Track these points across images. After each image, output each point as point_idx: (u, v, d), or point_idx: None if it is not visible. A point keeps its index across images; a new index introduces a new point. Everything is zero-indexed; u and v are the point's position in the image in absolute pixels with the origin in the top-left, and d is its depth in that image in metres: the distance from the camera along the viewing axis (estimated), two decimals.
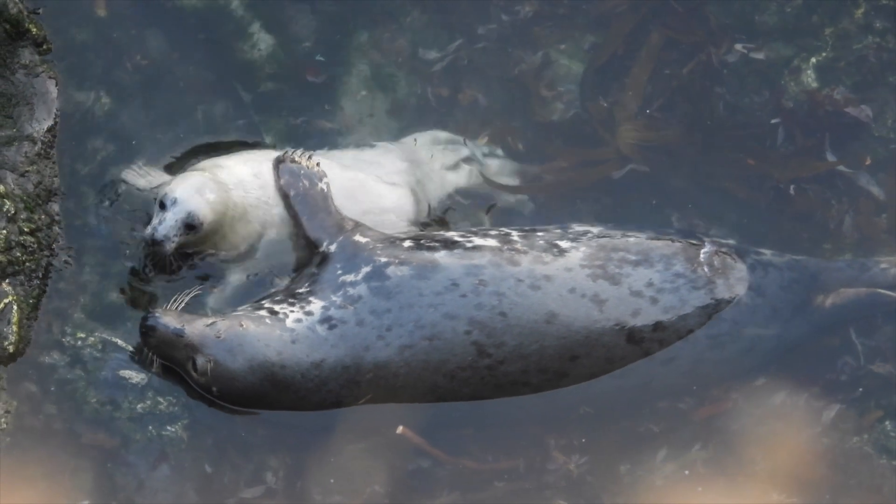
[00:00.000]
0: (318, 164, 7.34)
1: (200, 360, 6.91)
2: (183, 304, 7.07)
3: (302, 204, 7.31)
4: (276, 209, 7.31)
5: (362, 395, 6.98)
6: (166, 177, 7.51)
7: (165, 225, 7.07)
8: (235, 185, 7.24)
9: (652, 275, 7.12)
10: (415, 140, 7.80)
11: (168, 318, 6.93)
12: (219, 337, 6.90)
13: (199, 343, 6.90)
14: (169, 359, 7.00)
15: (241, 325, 6.92)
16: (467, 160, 7.83)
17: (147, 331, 6.94)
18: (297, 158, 7.37)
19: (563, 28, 8.09)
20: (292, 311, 7.00)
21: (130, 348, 7.15)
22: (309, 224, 7.29)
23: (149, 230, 7.10)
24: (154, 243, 7.08)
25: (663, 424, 7.26)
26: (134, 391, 7.11)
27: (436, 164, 7.75)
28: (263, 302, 7.12)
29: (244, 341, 6.91)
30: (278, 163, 7.38)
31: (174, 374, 7.04)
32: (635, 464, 7.18)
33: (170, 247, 7.09)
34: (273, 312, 7.01)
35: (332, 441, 7.06)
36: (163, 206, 7.11)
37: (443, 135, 7.88)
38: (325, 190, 7.32)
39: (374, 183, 7.52)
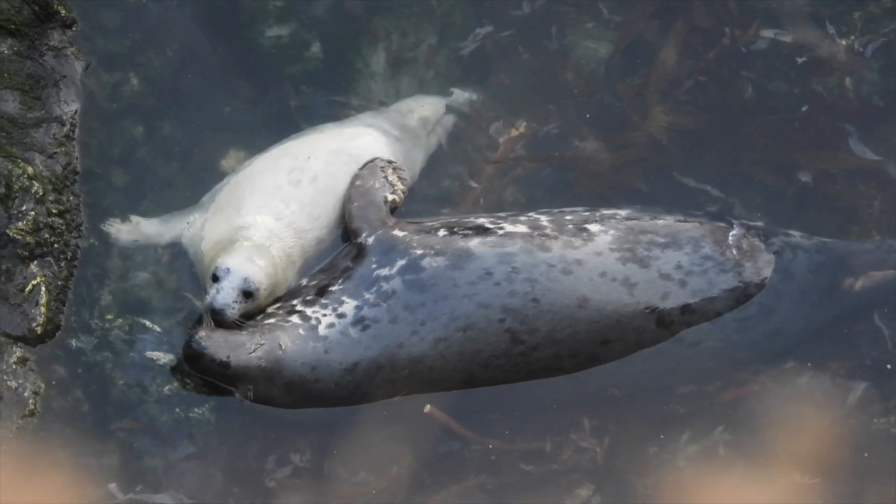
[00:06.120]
0: (402, 185, 7.39)
1: (241, 388, 6.89)
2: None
3: (359, 195, 7.29)
4: (311, 234, 7.27)
5: (398, 392, 6.98)
6: (151, 225, 7.45)
7: (224, 293, 6.96)
8: (268, 238, 7.18)
9: (681, 257, 7.11)
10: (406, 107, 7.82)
11: (214, 346, 6.84)
12: (260, 366, 6.87)
13: (242, 374, 6.85)
14: (209, 376, 6.96)
15: (281, 348, 6.88)
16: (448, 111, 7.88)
17: (193, 356, 6.84)
18: (386, 169, 7.39)
19: (590, 12, 8.09)
20: (325, 315, 6.96)
21: (158, 329, 7.14)
22: (357, 212, 7.25)
23: (207, 300, 6.99)
24: (215, 312, 6.97)
25: (689, 406, 7.27)
26: (161, 373, 7.11)
27: (416, 120, 7.77)
28: (295, 303, 7.06)
29: (283, 366, 6.88)
30: (369, 162, 7.40)
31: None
32: (661, 446, 7.20)
33: (231, 314, 6.96)
34: (305, 318, 6.97)
35: (359, 423, 7.06)
36: (216, 279, 7.00)
37: (428, 99, 7.90)
38: (386, 200, 7.31)
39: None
